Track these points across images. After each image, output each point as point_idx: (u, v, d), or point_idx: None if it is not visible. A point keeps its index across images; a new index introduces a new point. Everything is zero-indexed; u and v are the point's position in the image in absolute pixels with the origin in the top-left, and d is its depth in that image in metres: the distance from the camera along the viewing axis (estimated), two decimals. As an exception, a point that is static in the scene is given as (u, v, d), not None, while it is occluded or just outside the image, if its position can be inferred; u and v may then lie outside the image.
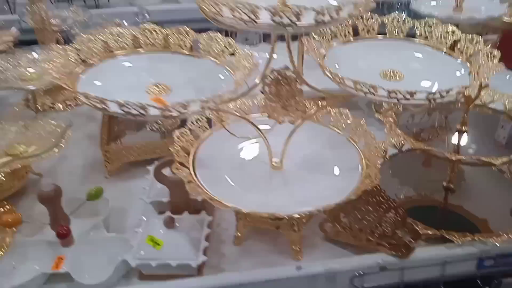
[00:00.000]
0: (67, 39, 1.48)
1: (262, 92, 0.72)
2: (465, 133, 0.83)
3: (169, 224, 0.80)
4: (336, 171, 0.81)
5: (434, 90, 0.63)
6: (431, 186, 0.92)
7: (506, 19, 1.25)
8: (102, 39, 0.76)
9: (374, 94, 0.64)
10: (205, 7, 0.60)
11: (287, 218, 0.71)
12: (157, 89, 0.71)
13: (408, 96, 0.63)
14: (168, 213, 0.84)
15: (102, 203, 0.89)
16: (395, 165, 0.99)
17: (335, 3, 0.60)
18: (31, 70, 1.02)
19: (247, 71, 0.72)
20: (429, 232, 0.78)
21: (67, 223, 0.79)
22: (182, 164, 0.79)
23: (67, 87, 0.61)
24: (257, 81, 0.69)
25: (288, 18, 0.54)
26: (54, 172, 1.06)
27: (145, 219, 0.84)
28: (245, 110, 0.89)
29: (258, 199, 0.76)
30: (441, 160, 0.83)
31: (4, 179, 0.92)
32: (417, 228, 0.78)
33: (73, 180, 1.04)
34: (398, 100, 0.64)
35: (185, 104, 0.59)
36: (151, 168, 0.98)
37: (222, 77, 0.74)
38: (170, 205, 0.88)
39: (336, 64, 0.78)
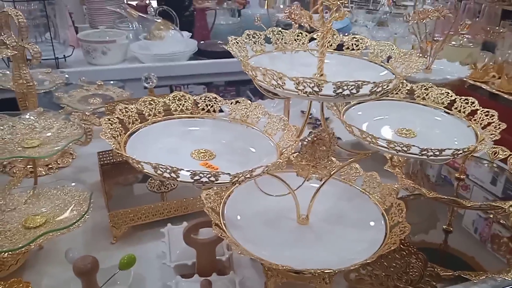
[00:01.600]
0: (45, 102, 1.44)
1: (299, 152, 0.77)
2: (463, 181, 0.93)
3: (207, 287, 0.80)
4: (360, 223, 0.86)
5: (457, 147, 0.72)
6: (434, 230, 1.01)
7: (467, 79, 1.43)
8: (137, 107, 0.77)
9: (406, 151, 0.72)
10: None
11: (332, 272, 0.74)
12: (202, 155, 0.73)
13: (437, 153, 0.71)
14: (198, 277, 0.84)
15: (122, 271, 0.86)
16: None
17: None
18: (34, 136, 0.98)
19: (285, 133, 0.76)
20: (449, 274, 0.85)
21: (101, 296, 0.75)
22: (217, 225, 0.80)
23: (131, 159, 0.61)
24: (293, 144, 0.74)
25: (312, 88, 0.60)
26: (53, 241, 1.01)
27: (173, 285, 0.83)
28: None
29: (295, 255, 0.78)
30: (440, 205, 0.92)
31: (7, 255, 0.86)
32: (437, 271, 0.85)
33: (76, 248, 0.99)
34: (428, 156, 0.72)
35: (251, 170, 0.61)
36: (165, 230, 0.97)
37: (259, 140, 0.78)
38: (196, 267, 0.87)
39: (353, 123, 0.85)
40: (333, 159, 0.84)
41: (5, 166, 1.27)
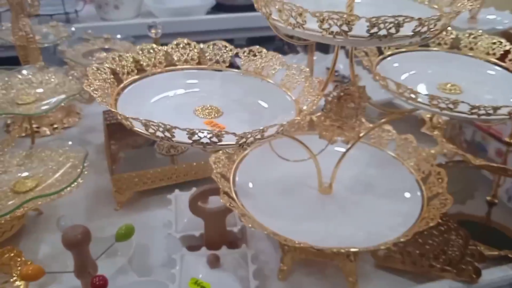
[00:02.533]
0: (50, 57, 1.35)
1: (323, 110, 0.65)
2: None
3: (215, 263, 0.71)
4: (392, 193, 0.75)
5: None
6: (473, 201, 0.88)
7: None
8: (133, 56, 0.66)
9: (452, 109, 0.59)
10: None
11: (358, 251, 0.64)
12: (207, 111, 0.62)
13: (491, 112, 0.58)
14: (205, 250, 0.75)
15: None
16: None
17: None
18: (29, 91, 0.89)
19: (306, 87, 0.64)
20: (495, 253, 0.73)
21: (96, 270, 0.67)
22: (226, 193, 0.70)
23: (119, 114, 0.51)
24: (315, 99, 0.62)
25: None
26: (53, 206, 0.93)
27: (178, 258, 0.74)
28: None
29: (315, 229, 0.68)
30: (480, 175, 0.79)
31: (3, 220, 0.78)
32: (481, 250, 0.73)
33: (77, 214, 0.91)
34: (478, 116, 0.59)
35: (262, 129, 0.50)
36: (172, 197, 0.88)
37: (275, 96, 0.67)
38: (204, 239, 0.78)
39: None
40: (363, 119, 0.72)
41: (9, 125, 1.20)
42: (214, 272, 0.71)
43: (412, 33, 0.50)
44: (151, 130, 0.49)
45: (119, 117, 0.51)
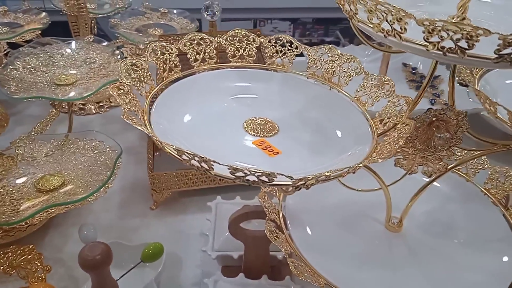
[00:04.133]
0: (102, 30, 1.28)
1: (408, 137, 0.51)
2: None
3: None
4: (479, 241, 0.60)
5: None
6: None
7: None
8: (179, 48, 0.54)
9: None
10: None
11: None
12: (259, 127, 0.50)
13: None
14: (243, 278, 0.65)
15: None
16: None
17: None
18: (71, 71, 0.81)
19: (388, 106, 0.50)
20: None
21: (116, 291, 0.59)
22: (273, 221, 0.58)
23: (148, 133, 0.40)
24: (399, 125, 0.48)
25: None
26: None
27: (211, 283, 0.64)
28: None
29: (381, 279, 0.55)
30: None
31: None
32: None
33: (109, 209, 0.84)
34: None
35: (328, 173, 0.37)
36: (213, 205, 0.78)
37: (347, 112, 0.53)
38: (243, 264, 0.68)
39: (493, 97, 0.57)
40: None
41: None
42: (250, 309, 0.61)
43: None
44: (185, 157, 0.38)
45: (150, 135, 0.40)
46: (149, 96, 0.49)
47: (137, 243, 0.70)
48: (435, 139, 0.51)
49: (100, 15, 1.18)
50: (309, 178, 0.37)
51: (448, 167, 0.56)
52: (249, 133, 0.49)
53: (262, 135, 0.49)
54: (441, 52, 0.35)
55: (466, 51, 0.34)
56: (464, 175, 0.68)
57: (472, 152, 0.57)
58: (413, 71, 1.18)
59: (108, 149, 0.69)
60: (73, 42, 0.91)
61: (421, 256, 0.59)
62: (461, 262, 0.57)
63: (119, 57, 0.90)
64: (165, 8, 1.24)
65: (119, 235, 0.77)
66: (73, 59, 0.85)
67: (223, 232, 0.72)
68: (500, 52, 0.33)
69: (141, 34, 1.12)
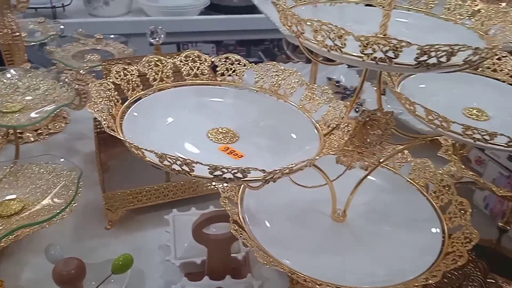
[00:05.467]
0: (35, 56, 1.26)
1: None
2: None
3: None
4: (409, 223, 0.70)
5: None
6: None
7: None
8: (139, 69, 0.59)
9: (487, 141, 0.55)
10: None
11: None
12: (222, 135, 0.56)
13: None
14: (208, 280, 0.69)
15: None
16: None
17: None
18: (16, 98, 0.81)
19: (330, 111, 0.59)
20: (514, 288, 0.70)
21: (89, 305, 0.60)
22: (235, 222, 0.64)
23: (129, 143, 0.44)
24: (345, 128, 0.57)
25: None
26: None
27: (178, 289, 0.68)
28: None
29: (332, 263, 0.63)
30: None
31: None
32: (499, 283, 0.69)
33: (64, 232, 0.84)
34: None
35: (292, 166, 0.45)
36: (170, 218, 0.82)
37: (294, 118, 0.61)
38: (207, 267, 0.72)
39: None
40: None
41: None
42: (219, 307, 0.65)
43: (463, 62, 0.45)
44: (166, 163, 0.43)
45: (129, 146, 0.45)
46: (119, 114, 0.53)
47: (100, 260, 0.71)
48: (369, 137, 0.61)
49: (32, 43, 1.18)
50: (276, 171, 0.43)
51: (381, 160, 0.66)
52: (214, 141, 0.55)
53: (225, 142, 0.55)
54: (374, 62, 0.44)
55: (393, 59, 0.43)
56: (392, 169, 0.79)
57: (398, 146, 0.68)
58: (337, 84, 1.31)
59: (65, 171, 0.71)
60: (12, 70, 0.91)
61: (364, 240, 0.68)
62: (398, 241, 0.67)
63: (60, 83, 0.92)
64: (100, 34, 1.27)
65: (77, 256, 0.78)
66: (16, 86, 0.85)
67: (183, 242, 0.77)
68: (419, 59, 0.43)
69: (81, 60, 1.14)
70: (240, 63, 0.66)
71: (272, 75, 0.66)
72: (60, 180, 0.69)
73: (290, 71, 0.65)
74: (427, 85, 0.71)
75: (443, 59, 0.43)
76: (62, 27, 1.25)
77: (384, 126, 0.59)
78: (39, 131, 1.12)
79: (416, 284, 0.56)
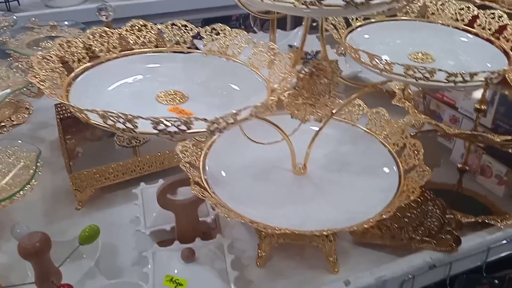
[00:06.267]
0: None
1: (295, 88, 0.61)
2: (483, 112, 0.79)
3: (190, 257, 0.67)
4: (368, 169, 0.73)
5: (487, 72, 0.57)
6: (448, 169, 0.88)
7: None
8: (84, 41, 0.59)
9: (428, 78, 0.57)
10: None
11: (336, 232, 0.61)
12: (171, 97, 0.57)
13: (468, 78, 0.56)
14: (178, 244, 0.71)
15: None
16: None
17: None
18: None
19: (276, 65, 0.60)
20: (472, 220, 0.73)
21: (60, 279, 0.61)
22: (197, 183, 0.65)
23: (71, 107, 0.45)
24: (288, 76, 0.58)
25: None
26: (6, 211, 0.85)
27: (149, 255, 0.69)
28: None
29: (294, 213, 0.65)
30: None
31: None
32: (458, 218, 0.73)
33: (34, 219, 0.84)
34: (455, 83, 0.57)
35: (235, 113, 0.46)
36: (138, 191, 0.83)
37: (244, 76, 0.62)
38: (176, 232, 0.74)
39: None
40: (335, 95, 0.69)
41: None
42: (189, 267, 0.67)
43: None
44: (110, 122, 0.44)
45: (72, 110, 0.45)
46: (65, 84, 0.54)
47: (70, 238, 0.72)
48: (318, 87, 0.62)
49: (-15, 35, 1.15)
50: (219, 120, 0.45)
51: (333, 111, 0.68)
52: (163, 104, 0.56)
53: (175, 104, 0.56)
54: (305, 6, 0.45)
55: (322, 1, 0.45)
56: (349, 121, 0.81)
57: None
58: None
59: (25, 153, 0.71)
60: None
61: (324, 190, 0.70)
62: (357, 187, 0.70)
63: (15, 70, 0.91)
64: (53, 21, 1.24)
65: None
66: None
67: (152, 212, 0.78)
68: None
69: (35, 47, 1.12)
70: (187, 28, 0.66)
71: (219, 38, 0.66)
72: (20, 162, 0.69)
73: (237, 32, 0.65)
74: (372, 36, 0.73)
75: (369, -5, 0.44)
76: (15, 17, 1.23)
77: (330, 75, 0.61)
78: (2, 124, 1.11)
79: (371, 221, 0.58)
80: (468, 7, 0.75)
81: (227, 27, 0.66)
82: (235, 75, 0.63)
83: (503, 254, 0.76)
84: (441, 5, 0.76)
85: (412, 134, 0.91)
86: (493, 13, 0.72)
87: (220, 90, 0.60)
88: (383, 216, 0.59)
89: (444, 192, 0.85)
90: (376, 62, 0.59)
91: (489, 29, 0.72)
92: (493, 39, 0.71)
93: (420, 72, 0.56)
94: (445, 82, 0.57)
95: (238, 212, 0.60)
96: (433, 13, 0.77)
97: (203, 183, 0.66)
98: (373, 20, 0.74)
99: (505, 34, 0.69)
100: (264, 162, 0.73)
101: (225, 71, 0.64)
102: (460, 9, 0.76)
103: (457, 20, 0.76)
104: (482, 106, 0.79)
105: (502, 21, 0.71)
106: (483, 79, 0.57)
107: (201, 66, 0.64)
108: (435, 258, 0.70)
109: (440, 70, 0.55)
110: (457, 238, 0.70)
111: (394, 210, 0.59)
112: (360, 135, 0.79)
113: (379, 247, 0.74)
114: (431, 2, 0.76)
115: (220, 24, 0.66)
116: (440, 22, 0.76)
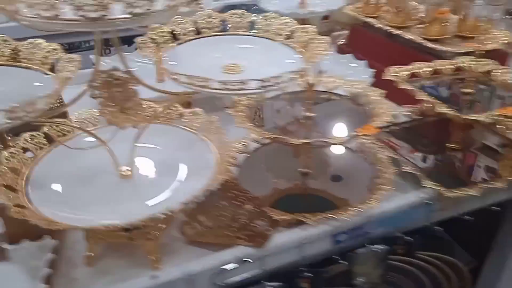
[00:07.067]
0: None
1: (93, 97, 0.66)
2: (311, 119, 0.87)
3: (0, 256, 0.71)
4: (190, 171, 0.78)
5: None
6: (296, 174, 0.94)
7: (349, 12, 1.34)
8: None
9: (240, 89, 0.63)
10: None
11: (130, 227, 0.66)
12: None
13: (242, 86, 0.63)
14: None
15: None
16: (260, 158, 1.00)
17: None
18: None
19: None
20: (286, 217, 0.79)
21: None
22: (11, 188, 0.70)
23: None
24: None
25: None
26: None
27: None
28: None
29: (105, 212, 0.70)
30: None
31: None
32: (272, 215, 0.79)
33: None
34: (265, 88, 0.63)
35: None
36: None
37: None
38: (7, 235, 0.77)
39: (175, 63, 0.75)
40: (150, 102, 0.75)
41: None
42: (2, 266, 0.71)
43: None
44: None
45: None
46: None
47: None
48: (118, 95, 0.67)
49: None
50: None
51: (150, 118, 0.73)
52: None
53: None
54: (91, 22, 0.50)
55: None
56: (185, 127, 0.86)
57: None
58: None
59: None
60: None
61: (142, 191, 0.75)
62: (171, 187, 0.75)
63: None
64: None
65: None
66: None
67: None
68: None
69: None
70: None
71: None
72: None
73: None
74: (193, 51, 0.79)
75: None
76: None
77: (125, 82, 0.66)
78: None
79: (161, 214, 0.64)
80: (287, 22, 0.82)
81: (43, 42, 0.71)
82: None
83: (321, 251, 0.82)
84: (266, 20, 0.83)
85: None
86: (305, 28, 0.80)
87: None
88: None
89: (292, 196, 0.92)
90: (195, 82, 0.63)
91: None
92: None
93: (235, 84, 0.62)
94: (261, 88, 0.63)
95: (37, 213, 0.65)
96: (260, 28, 0.83)
97: (19, 188, 0.70)
98: (192, 38, 0.81)
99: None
100: (93, 170, 0.78)
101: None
102: (282, 24, 0.83)
103: (280, 34, 0.83)
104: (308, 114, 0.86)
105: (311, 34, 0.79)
106: (287, 80, 0.64)
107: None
108: (246, 252, 0.76)
109: (254, 80, 0.62)
110: (264, 234, 0.76)
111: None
112: (192, 140, 0.84)
113: (208, 246, 0.79)
114: (259, 18, 0.83)
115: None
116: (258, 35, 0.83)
